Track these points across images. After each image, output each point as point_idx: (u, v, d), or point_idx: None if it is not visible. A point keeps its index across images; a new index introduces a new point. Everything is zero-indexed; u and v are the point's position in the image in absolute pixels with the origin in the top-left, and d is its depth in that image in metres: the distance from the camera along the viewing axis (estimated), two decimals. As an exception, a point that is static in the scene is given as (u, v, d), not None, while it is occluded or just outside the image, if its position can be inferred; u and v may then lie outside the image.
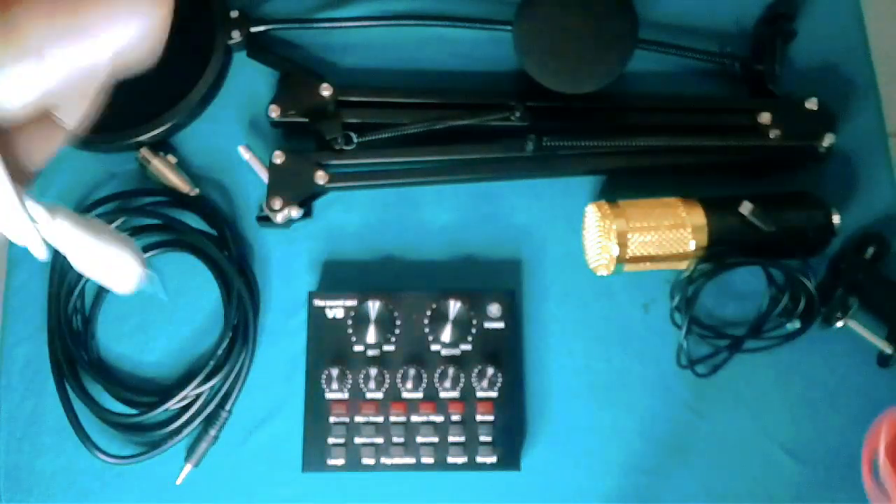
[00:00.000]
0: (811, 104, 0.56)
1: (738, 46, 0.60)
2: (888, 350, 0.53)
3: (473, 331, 0.52)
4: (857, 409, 0.53)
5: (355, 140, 0.55)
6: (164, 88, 0.56)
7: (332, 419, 0.50)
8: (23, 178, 0.19)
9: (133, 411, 0.52)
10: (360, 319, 0.52)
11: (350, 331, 0.52)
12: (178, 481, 0.52)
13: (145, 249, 0.54)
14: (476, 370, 0.51)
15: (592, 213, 0.53)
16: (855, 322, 0.53)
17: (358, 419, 0.50)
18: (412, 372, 0.51)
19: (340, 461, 0.50)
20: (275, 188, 0.54)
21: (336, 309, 0.52)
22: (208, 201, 0.57)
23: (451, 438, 0.50)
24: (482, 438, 0.50)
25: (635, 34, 0.54)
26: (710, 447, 0.53)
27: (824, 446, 0.53)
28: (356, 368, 0.51)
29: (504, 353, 0.52)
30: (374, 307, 0.52)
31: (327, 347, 0.52)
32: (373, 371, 0.51)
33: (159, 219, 0.55)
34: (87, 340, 0.54)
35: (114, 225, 0.55)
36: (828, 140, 0.55)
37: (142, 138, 0.56)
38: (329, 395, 0.51)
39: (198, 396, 0.52)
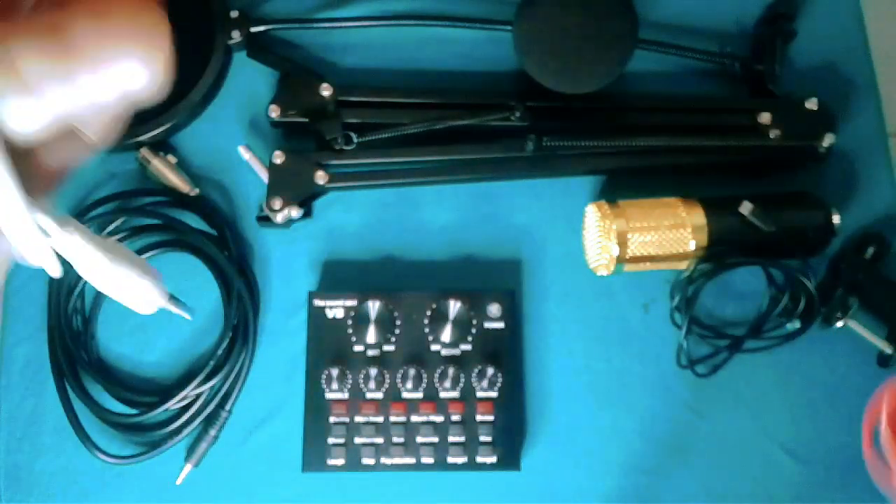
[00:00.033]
0: (811, 104, 0.56)
1: (738, 46, 0.60)
2: (888, 350, 0.53)
3: (473, 331, 0.52)
4: (857, 409, 0.53)
5: (355, 140, 0.55)
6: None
7: (332, 419, 0.50)
8: (43, 190, 0.19)
9: (133, 411, 0.52)
10: (360, 319, 0.52)
11: (350, 331, 0.52)
12: (178, 481, 0.52)
13: (145, 249, 0.54)
14: (476, 370, 0.51)
15: (592, 213, 0.53)
16: (855, 322, 0.53)
17: (358, 419, 0.50)
18: (412, 372, 0.51)
19: (340, 461, 0.50)
20: (275, 188, 0.54)
21: (336, 309, 0.52)
22: (208, 201, 0.57)
23: (451, 438, 0.50)
24: (482, 438, 0.50)
25: (635, 34, 0.54)
26: (710, 447, 0.53)
27: (824, 446, 0.53)
28: (356, 368, 0.51)
29: (504, 353, 0.52)
30: (374, 307, 0.52)
31: (327, 347, 0.52)
32: (373, 371, 0.51)
33: (159, 219, 0.55)
34: (87, 340, 0.54)
35: (113, 225, 0.55)
36: (828, 140, 0.55)
37: (142, 138, 0.56)
38: (329, 395, 0.51)
39: (198, 396, 0.52)
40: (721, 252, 0.52)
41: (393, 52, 0.60)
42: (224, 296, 0.54)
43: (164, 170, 0.56)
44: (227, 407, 0.52)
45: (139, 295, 0.21)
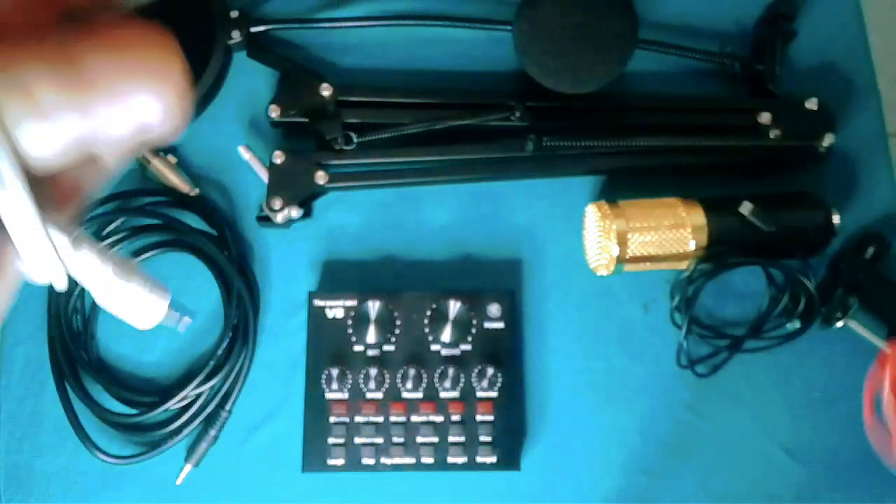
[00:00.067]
0: (811, 104, 0.56)
1: (738, 46, 0.60)
2: (888, 350, 0.52)
3: (473, 331, 0.52)
4: (857, 409, 0.53)
5: (355, 140, 0.55)
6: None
7: (332, 419, 0.50)
8: (59, 210, 0.19)
9: (133, 411, 0.52)
10: (360, 319, 0.52)
11: (350, 331, 0.52)
12: (178, 481, 0.52)
13: (145, 249, 0.55)
14: (476, 370, 0.51)
15: (592, 213, 0.53)
16: (855, 322, 0.53)
17: (358, 419, 0.50)
18: (412, 372, 0.51)
19: (340, 461, 0.50)
20: (275, 188, 0.54)
21: (336, 309, 0.52)
22: (208, 201, 0.57)
23: (451, 438, 0.50)
24: (482, 438, 0.50)
25: (635, 34, 0.54)
26: (710, 447, 0.53)
27: (824, 446, 0.53)
28: (356, 368, 0.51)
29: (504, 353, 0.52)
30: (374, 307, 0.52)
31: (327, 347, 0.52)
32: (373, 371, 0.51)
33: (159, 219, 0.55)
34: (87, 340, 0.54)
35: (113, 225, 0.55)
36: (828, 140, 0.55)
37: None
38: (329, 395, 0.51)
39: (198, 396, 0.52)
40: (721, 252, 0.52)
41: (393, 52, 0.60)
42: (224, 296, 0.54)
43: (164, 170, 0.55)
44: (227, 407, 0.52)
45: (145, 312, 0.22)
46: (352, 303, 0.52)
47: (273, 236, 0.56)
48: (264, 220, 0.54)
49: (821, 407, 0.53)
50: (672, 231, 0.51)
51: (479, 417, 0.51)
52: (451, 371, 0.51)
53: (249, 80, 0.59)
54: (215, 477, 0.52)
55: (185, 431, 0.52)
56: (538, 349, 0.54)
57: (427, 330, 0.52)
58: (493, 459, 0.50)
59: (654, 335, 0.54)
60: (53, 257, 0.18)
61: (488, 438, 0.50)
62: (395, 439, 0.50)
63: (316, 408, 0.51)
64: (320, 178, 0.54)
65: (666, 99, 0.59)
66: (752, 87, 0.59)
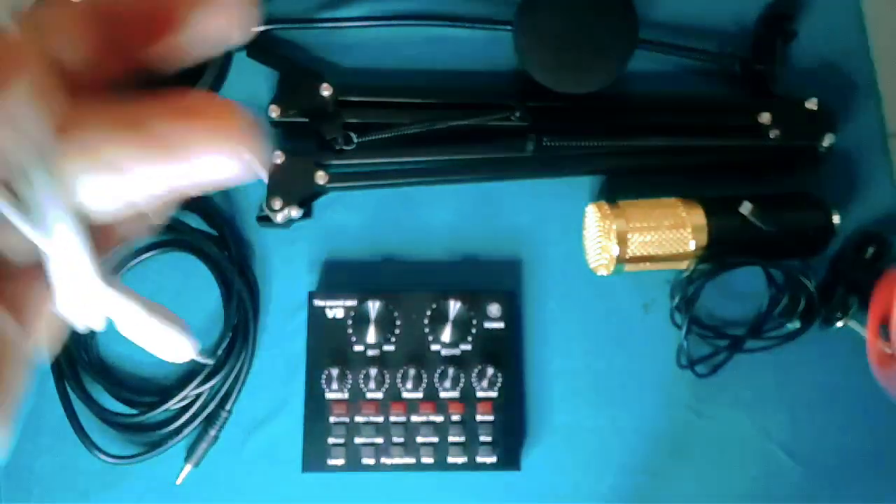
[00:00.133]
0: (811, 104, 0.56)
1: (738, 46, 0.60)
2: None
3: (473, 331, 0.52)
4: (857, 409, 0.53)
5: (355, 140, 0.55)
6: (164, 88, 0.56)
7: (332, 419, 0.50)
8: (103, 258, 0.19)
9: (133, 411, 0.52)
10: (360, 319, 0.52)
11: (350, 331, 0.52)
12: (178, 481, 0.52)
13: (145, 249, 0.54)
14: (476, 370, 0.51)
15: (592, 213, 0.53)
16: (855, 322, 0.53)
17: (358, 419, 0.50)
18: (412, 372, 0.51)
19: (340, 461, 0.50)
20: (275, 188, 0.54)
21: (336, 309, 0.52)
22: (208, 201, 0.57)
23: (451, 438, 0.50)
24: (482, 438, 0.50)
25: (635, 34, 0.54)
26: (710, 447, 0.53)
27: (824, 446, 0.53)
28: (356, 368, 0.51)
29: (504, 353, 0.52)
30: (374, 307, 0.52)
31: (327, 347, 0.52)
32: (373, 371, 0.51)
33: (159, 219, 0.55)
34: (87, 340, 0.54)
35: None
36: (828, 140, 0.55)
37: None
38: (329, 395, 0.51)
39: (198, 396, 0.52)
40: (721, 252, 0.52)
41: (393, 52, 0.60)
42: (224, 296, 0.54)
43: (164, 170, 0.55)
44: (227, 407, 0.52)
45: (172, 347, 0.22)
46: (352, 303, 0.52)
47: (273, 236, 0.56)
48: (264, 220, 0.54)
49: (821, 407, 0.53)
50: (672, 231, 0.51)
51: (479, 417, 0.51)
52: (451, 371, 0.51)
53: (249, 80, 0.59)
54: (215, 477, 0.52)
55: (185, 431, 0.52)
56: (538, 349, 0.54)
57: (427, 330, 0.52)
58: (493, 459, 0.50)
59: (654, 335, 0.54)
60: (99, 306, 0.19)
61: (488, 438, 0.50)
62: (395, 439, 0.50)
63: (316, 408, 0.51)
64: (320, 178, 0.54)
65: (666, 99, 0.59)
66: (752, 87, 0.59)
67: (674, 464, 0.53)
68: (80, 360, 0.53)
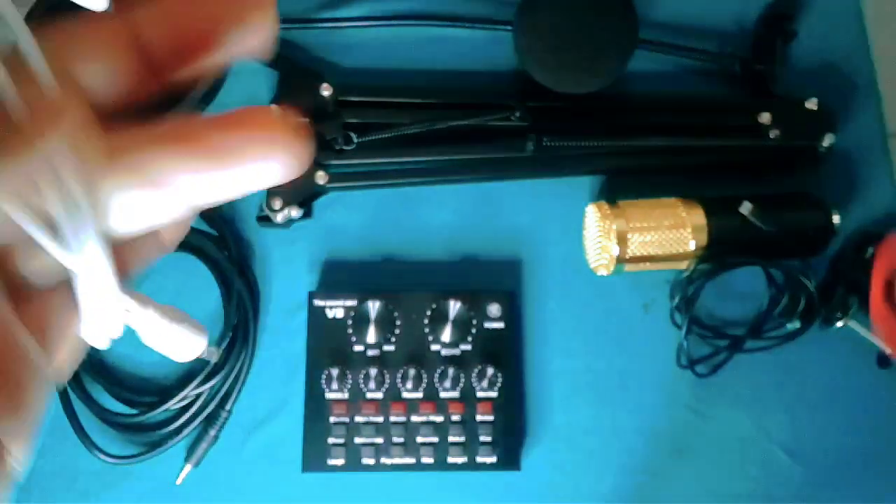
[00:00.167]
0: (811, 104, 0.56)
1: (738, 46, 0.60)
2: (888, 350, 0.53)
3: (473, 331, 0.52)
4: (857, 409, 0.53)
5: (355, 140, 0.55)
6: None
7: (332, 419, 0.50)
8: (122, 277, 0.19)
9: (133, 411, 0.52)
10: (360, 319, 0.52)
11: (350, 331, 0.52)
12: (178, 481, 0.52)
13: (145, 249, 0.54)
14: (476, 370, 0.51)
15: (592, 213, 0.53)
16: (855, 322, 0.53)
17: (358, 419, 0.50)
18: (412, 372, 0.51)
19: (340, 461, 0.50)
20: (275, 188, 0.54)
21: (336, 309, 0.52)
22: (208, 201, 0.57)
23: (451, 438, 0.50)
24: (482, 438, 0.50)
25: (635, 34, 0.54)
26: (710, 447, 0.53)
27: (824, 446, 0.53)
28: (356, 368, 0.51)
29: (504, 353, 0.52)
30: (374, 307, 0.52)
31: (327, 347, 0.52)
32: (373, 371, 0.51)
33: (159, 219, 0.55)
34: (87, 340, 0.54)
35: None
36: (828, 140, 0.55)
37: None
38: (329, 395, 0.51)
39: (198, 396, 0.52)
40: (721, 252, 0.52)
41: (393, 52, 0.60)
42: (224, 296, 0.54)
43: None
44: (227, 407, 0.52)
45: (188, 349, 0.23)
46: (352, 303, 0.52)
47: (273, 236, 0.56)
48: (264, 220, 0.54)
49: (821, 407, 0.54)
50: (672, 231, 0.51)
51: (479, 417, 0.51)
52: (451, 371, 0.51)
53: (249, 80, 0.59)
54: (215, 477, 0.52)
55: (185, 431, 0.52)
56: (538, 349, 0.54)
57: (427, 330, 0.52)
58: (493, 459, 0.50)
59: (654, 335, 0.54)
60: (122, 321, 0.19)
61: (488, 438, 0.50)
62: (395, 439, 0.50)
63: (316, 408, 0.51)
64: (320, 178, 0.54)
65: (666, 99, 0.59)
66: (752, 87, 0.59)
67: (674, 464, 0.53)
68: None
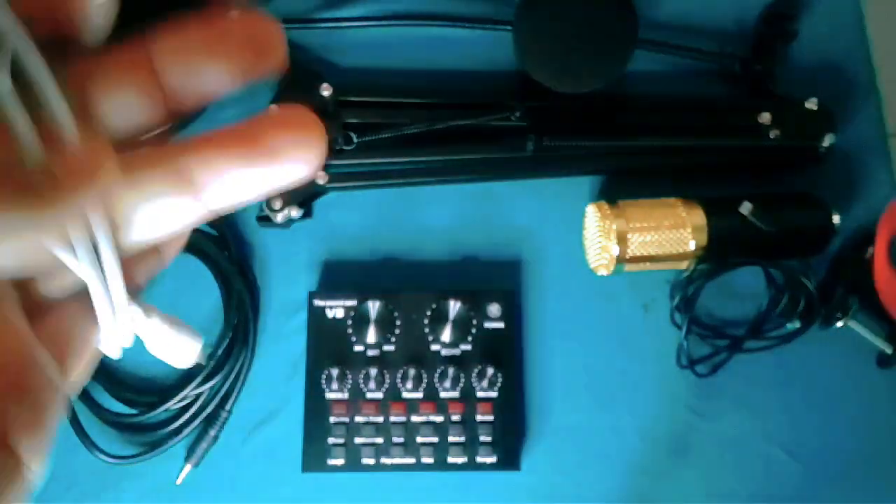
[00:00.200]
0: (811, 104, 0.56)
1: (738, 46, 0.60)
2: (888, 350, 0.53)
3: (473, 331, 0.52)
4: (857, 409, 0.53)
5: (355, 140, 0.55)
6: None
7: (332, 419, 0.50)
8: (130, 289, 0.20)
9: (133, 411, 0.52)
10: (360, 319, 0.52)
11: (350, 331, 0.52)
12: (178, 481, 0.52)
13: (145, 249, 0.55)
14: (476, 370, 0.51)
15: (592, 213, 0.53)
16: (855, 322, 0.53)
17: (358, 419, 0.50)
18: (412, 372, 0.51)
19: (340, 461, 0.50)
20: (275, 188, 0.54)
21: (336, 309, 0.52)
22: (208, 201, 0.57)
23: (451, 438, 0.50)
24: (482, 438, 0.50)
25: (635, 34, 0.54)
26: (711, 447, 0.53)
27: (824, 446, 0.53)
28: (356, 368, 0.51)
29: (504, 353, 0.52)
30: (374, 307, 0.52)
31: (327, 347, 0.52)
32: (373, 371, 0.51)
33: (159, 219, 0.55)
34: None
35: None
36: (828, 140, 0.55)
37: (142, 139, 0.56)
38: (329, 395, 0.51)
39: (198, 396, 0.52)
40: (721, 252, 0.52)
41: (393, 52, 0.60)
42: (224, 296, 0.54)
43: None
44: (227, 407, 0.52)
45: (187, 355, 0.24)
46: (352, 303, 0.52)
47: (273, 236, 0.56)
48: (264, 220, 0.54)
49: (821, 407, 0.53)
50: (672, 231, 0.51)
51: (479, 417, 0.51)
52: (451, 371, 0.51)
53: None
54: (215, 477, 0.52)
55: (185, 431, 0.52)
56: (538, 349, 0.54)
57: (427, 330, 0.52)
58: (493, 459, 0.50)
59: (654, 335, 0.54)
60: (130, 335, 0.20)
61: (488, 438, 0.50)
62: (395, 439, 0.50)
63: (316, 408, 0.51)
64: (320, 178, 0.54)
65: (666, 99, 0.59)
66: (752, 87, 0.59)
67: (674, 464, 0.53)
68: (80, 360, 0.53)
